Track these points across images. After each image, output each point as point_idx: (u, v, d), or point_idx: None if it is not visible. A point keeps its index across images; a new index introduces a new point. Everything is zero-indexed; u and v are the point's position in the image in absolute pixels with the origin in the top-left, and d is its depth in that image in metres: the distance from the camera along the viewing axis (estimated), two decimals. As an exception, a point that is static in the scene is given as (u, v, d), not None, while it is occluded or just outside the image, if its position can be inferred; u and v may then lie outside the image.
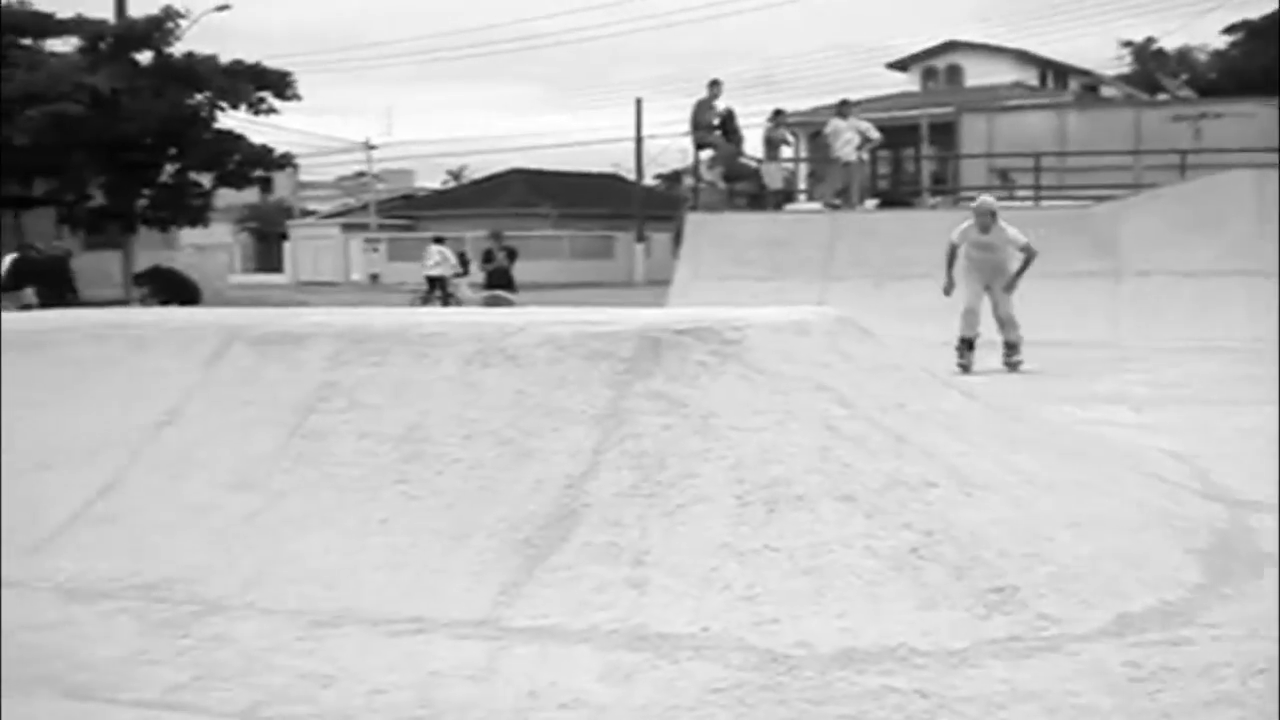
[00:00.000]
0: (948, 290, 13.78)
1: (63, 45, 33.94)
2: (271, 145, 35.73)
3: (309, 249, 61.44)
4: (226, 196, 39.29)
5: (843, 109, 22.74)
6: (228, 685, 4.05)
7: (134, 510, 5.36)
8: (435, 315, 6.85)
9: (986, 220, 13.51)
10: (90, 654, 4.38)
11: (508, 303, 19.57)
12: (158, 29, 33.21)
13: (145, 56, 33.49)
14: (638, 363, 5.28)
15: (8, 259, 23.10)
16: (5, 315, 8.03)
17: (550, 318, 5.85)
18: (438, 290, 26.68)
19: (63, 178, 32.58)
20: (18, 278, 20.39)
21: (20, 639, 4.58)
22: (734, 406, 5.08)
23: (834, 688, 3.89)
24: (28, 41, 33.49)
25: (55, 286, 21.86)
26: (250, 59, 34.09)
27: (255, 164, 35.27)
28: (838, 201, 22.24)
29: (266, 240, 65.60)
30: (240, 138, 34.60)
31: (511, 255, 21.67)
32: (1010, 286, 13.41)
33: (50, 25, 33.54)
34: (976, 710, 3.77)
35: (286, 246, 62.59)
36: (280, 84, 34.00)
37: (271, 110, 34.09)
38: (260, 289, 46.33)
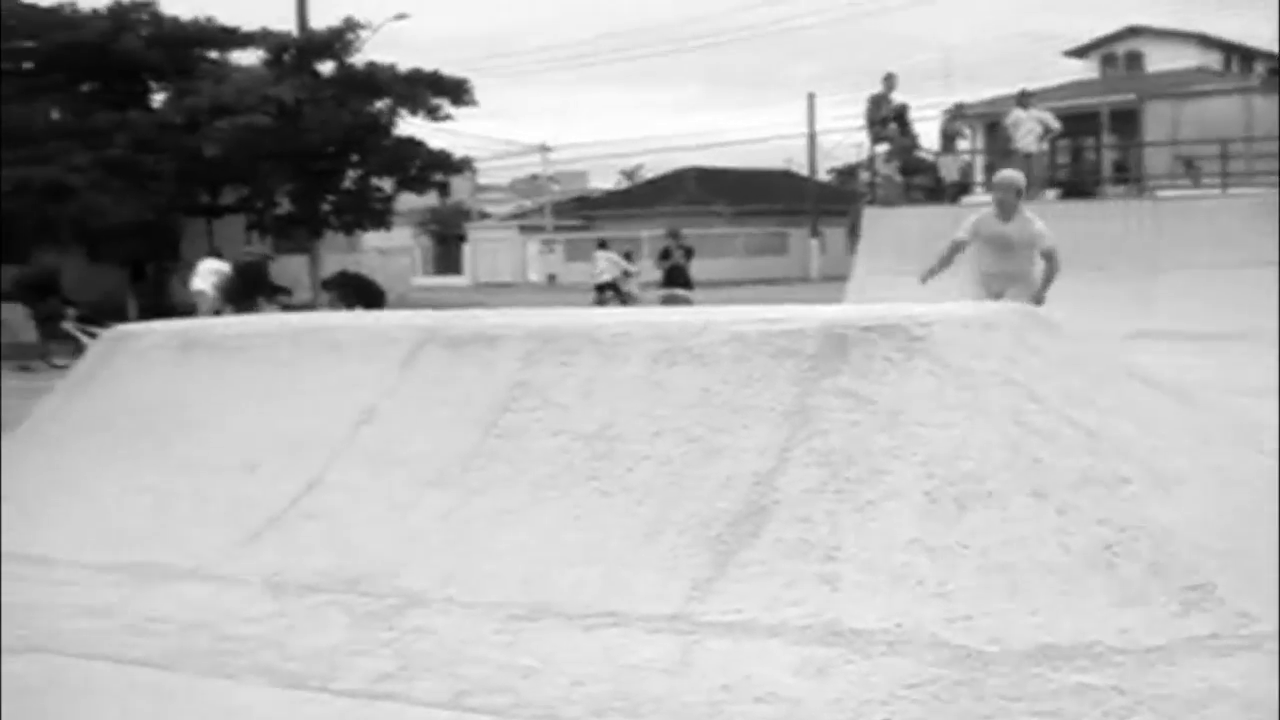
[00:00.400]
0: (925, 278, 10.89)
1: (248, 58, 34.97)
2: (449, 150, 36.40)
3: (487, 251, 62.52)
4: (407, 200, 40.08)
5: (1023, 99, 22.41)
6: (432, 676, 4.19)
7: (337, 506, 5.56)
8: (621, 315, 6.95)
9: (1009, 200, 10.38)
10: (300, 644, 4.56)
11: (685, 301, 19.66)
12: (339, 40, 34.02)
13: (327, 67, 34.36)
14: (824, 360, 5.30)
15: (204, 264, 23.97)
16: (207, 321, 8.38)
17: (735, 316, 5.90)
18: (609, 293, 26.93)
19: (251, 186, 33.59)
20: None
21: (232, 630, 4.79)
22: (922, 403, 5.07)
23: (1029, 685, 3.88)
24: (215, 55, 34.55)
25: (247, 290, 22.67)
26: (427, 66, 34.80)
27: (435, 168, 35.91)
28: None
29: (446, 243, 66.82)
30: (420, 143, 35.26)
31: (688, 253, 21.78)
32: (1038, 299, 10.16)
33: (236, 39, 34.55)
34: (1175, 708, 3.73)
35: (465, 249, 63.75)
36: (457, 90, 34.56)
37: (448, 117, 34.71)
38: (441, 291, 47.21)
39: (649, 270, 27.20)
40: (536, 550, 4.94)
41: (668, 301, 20.26)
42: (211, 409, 6.55)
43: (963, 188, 24.49)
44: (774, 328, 5.53)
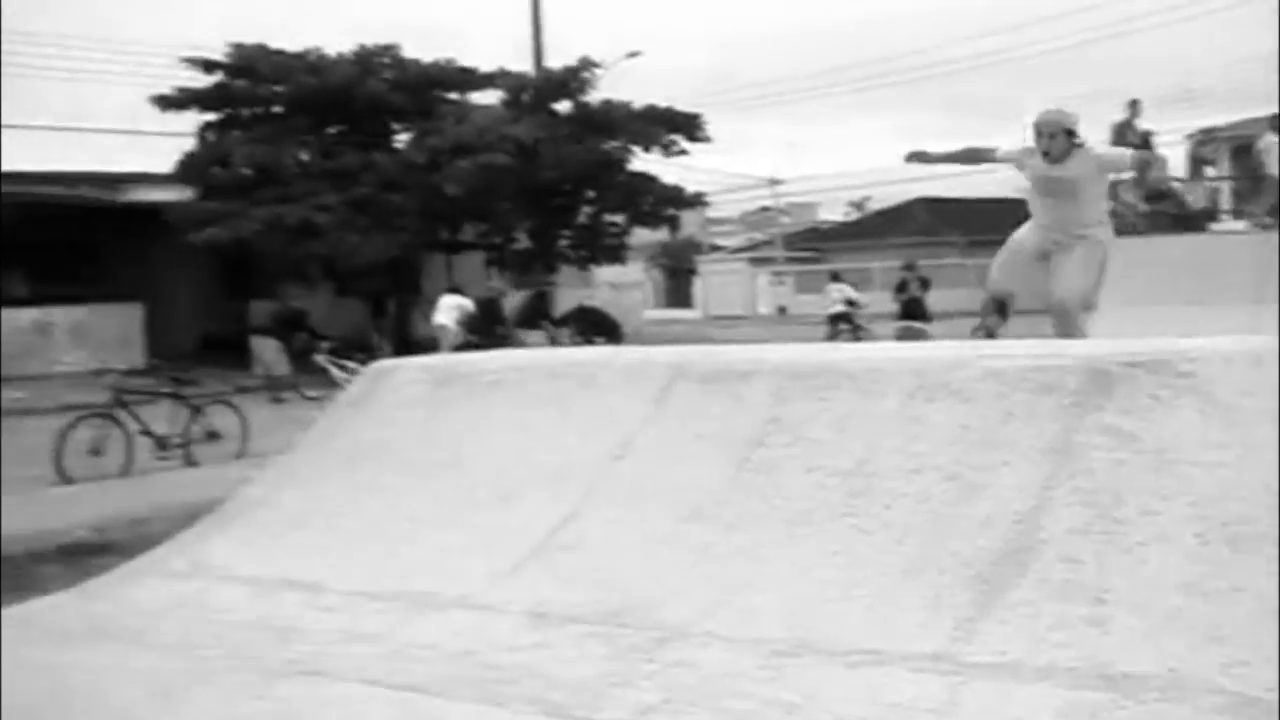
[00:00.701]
0: (913, 156, 9.27)
1: (487, 98, 35.88)
2: (681, 184, 36.76)
3: (717, 283, 62.85)
4: (638, 234, 40.68)
5: (1276, 123, 21.64)
6: (696, 709, 4.22)
7: (595, 539, 5.65)
8: (874, 351, 6.92)
9: (1057, 147, 8.42)
10: (564, 675, 4.65)
11: (922, 334, 19.51)
12: (574, 79, 34.75)
13: (564, 105, 35.08)
14: (1086, 396, 5.19)
15: (445, 299, 24.70)
16: (463, 356, 8.62)
17: (992, 351, 5.83)
18: (841, 325, 26.86)
19: (490, 223, 34.45)
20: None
21: (497, 659, 4.91)
22: (1190, 441, 4.91)
23: (1313, 734, 3.74)
24: (455, 96, 35.58)
25: (488, 325, 23.29)
26: (660, 100, 35.26)
27: (668, 203, 36.33)
28: (1270, 220, 21.15)
29: (677, 276, 67.46)
30: (653, 179, 35.72)
31: (925, 285, 21.62)
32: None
33: (475, 80, 35.56)
34: None
35: (696, 282, 64.20)
36: (690, 126, 34.96)
37: (682, 152, 35.08)
38: (672, 324, 47.61)
39: (880, 302, 27.03)
40: (795, 586, 4.94)
41: (904, 334, 20.12)
42: (469, 442, 6.73)
43: (1209, 215, 23.76)
44: (1034, 363, 5.44)
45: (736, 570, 5.14)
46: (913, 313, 21.19)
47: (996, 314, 8.98)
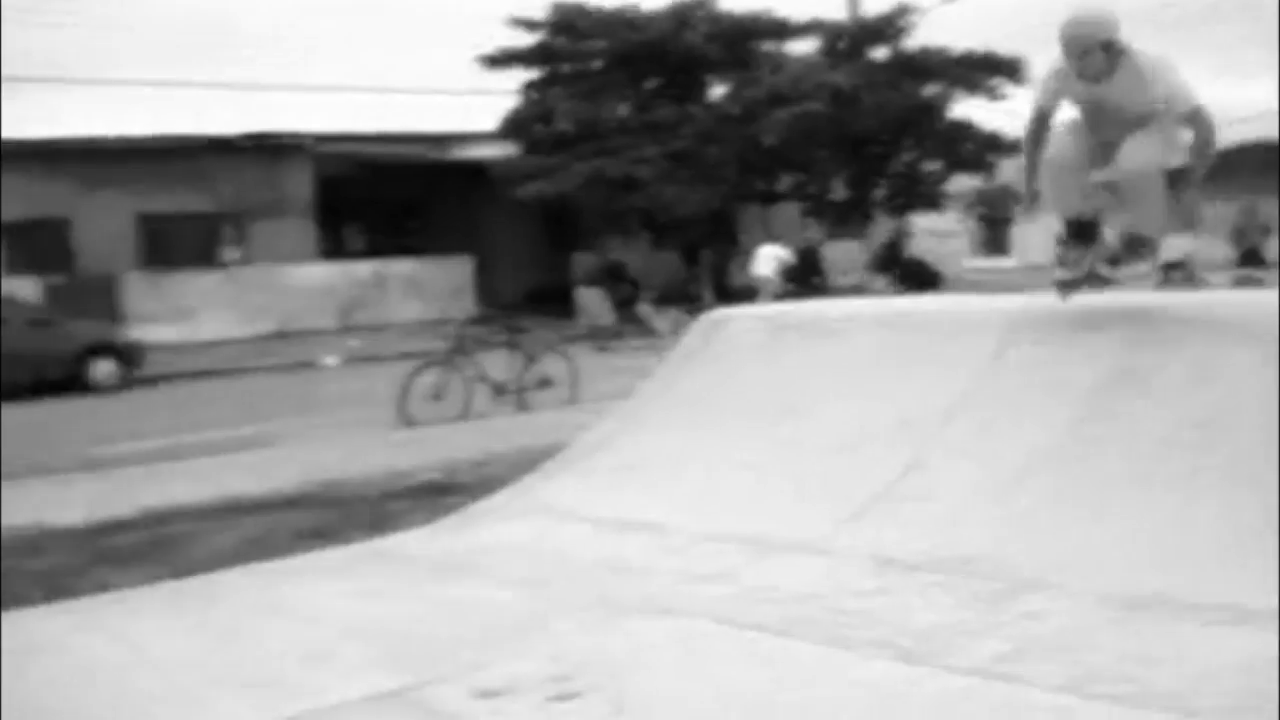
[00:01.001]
0: (1028, 205, 7.19)
1: (802, 48, 35.71)
2: (1003, 129, 35.86)
3: (1036, 232, 61.14)
4: (954, 182, 39.85)
5: None
6: (1049, 660, 4.19)
7: (937, 488, 5.66)
8: (1223, 297, 6.68)
9: (1093, 64, 6.08)
10: (911, 621, 4.68)
11: (1258, 282, 18.63)
12: (890, 25, 34.26)
13: (880, 53, 34.63)
14: None
15: (764, 249, 24.82)
16: (795, 306, 8.70)
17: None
18: (1175, 273, 25.76)
19: (806, 173, 34.34)
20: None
21: (843, 604, 4.97)
22: None
23: None
24: (770, 47, 35.51)
25: (805, 275, 23.31)
26: (980, 45, 34.42)
27: (987, 150, 35.49)
28: None
29: (994, 225, 65.88)
30: (971, 125, 34.96)
31: (1265, 231, 20.61)
32: (1184, 189, 6.12)
33: (790, 29, 35.39)
34: None
35: (1014, 230, 62.65)
36: (1012, 69, 34.04)
37: (1005, 96, 34.23)
38: (990, 273, 46.58)
39: (1216, 249, 25.87)
40: (1146, 539, 4.85)
41: (1242, 283, 19.24)
42: (806, 390, 6.81)
43: None
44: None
45: (1084, 522, 5.08)
46: (1251, 260, 20.21)
47: (1076, 243, 6.52)
